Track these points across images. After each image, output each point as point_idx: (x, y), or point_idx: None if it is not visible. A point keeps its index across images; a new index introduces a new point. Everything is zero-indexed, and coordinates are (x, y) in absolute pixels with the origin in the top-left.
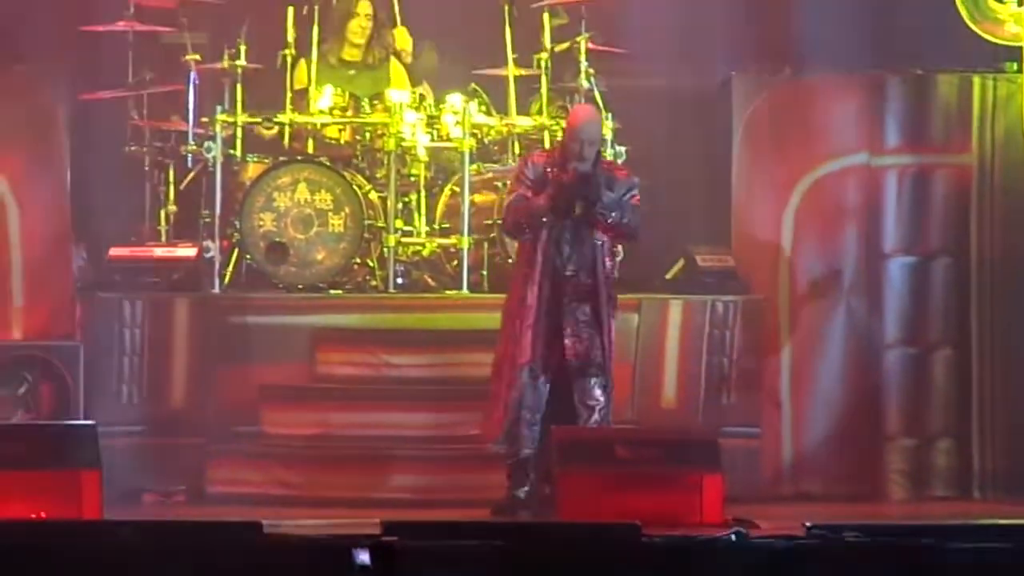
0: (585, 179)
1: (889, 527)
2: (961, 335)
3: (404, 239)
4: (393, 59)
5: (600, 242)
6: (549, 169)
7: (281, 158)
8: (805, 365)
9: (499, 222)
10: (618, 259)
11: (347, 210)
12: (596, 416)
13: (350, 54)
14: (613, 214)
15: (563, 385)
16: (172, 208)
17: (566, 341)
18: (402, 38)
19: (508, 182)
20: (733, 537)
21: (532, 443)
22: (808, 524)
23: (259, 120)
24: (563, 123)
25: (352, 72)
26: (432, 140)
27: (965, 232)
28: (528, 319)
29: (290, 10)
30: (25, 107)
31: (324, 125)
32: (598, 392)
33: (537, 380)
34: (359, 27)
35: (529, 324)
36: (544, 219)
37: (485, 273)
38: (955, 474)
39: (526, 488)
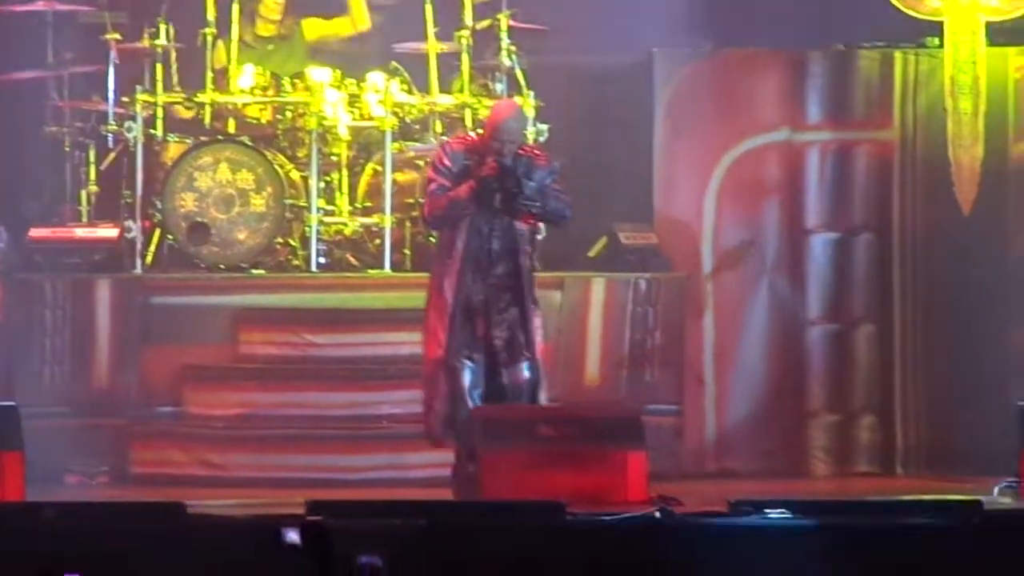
0: (505, 172)
1: (813, 503)
2: (883, 311)
3: (326, 218)
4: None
5: (521, 231)
6: (468, 158)
7: (202, 138)
8: (728, 342)
9: (421, 201)
10: (539, 237)
11: (269, 190)
12: (524, 397)
13: (265, 29)
14: (536, 204)
15: (490, 370)
16: (93, 189)
17: (492, 331)
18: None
19: (428, 167)
20: (657, 514)
21: None
22: (732, 501)
23: (180, 100)
24: (484, 102)
25: (269, 48)
26: (353, 119)
27: (887, 208)
28: (444, 312)
29: None
30: None
31: (245, 104)
32: (526, 372)
33: (463, 367)
34: (273, 3)
35: (446, 318)
36: (466, 211)
37: (408, 252)
38: (878, 450)
39: None
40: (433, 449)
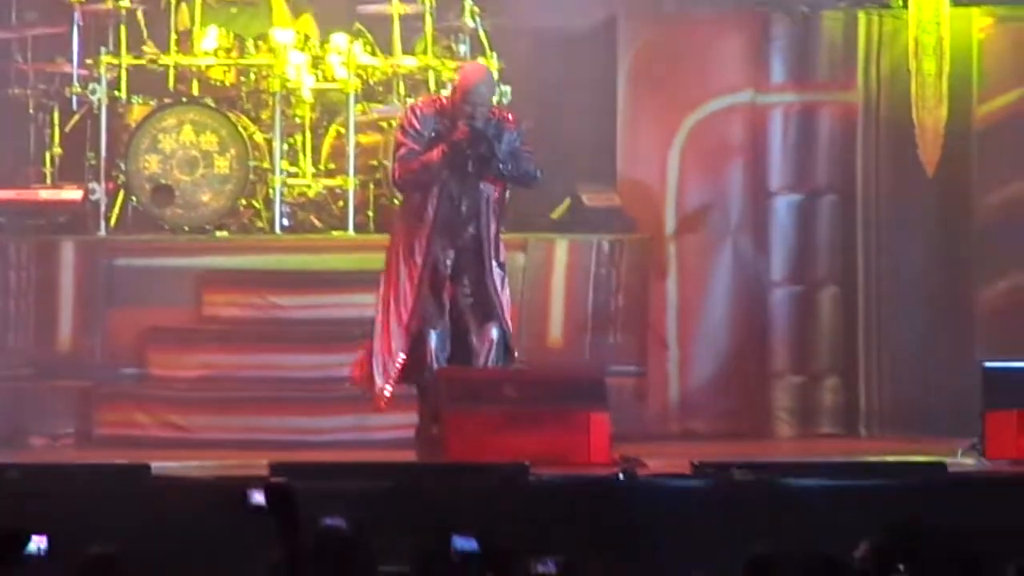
0: (478, 135)
1: (776, 464)
2: (847, 273)
3: (290, 180)
4: None
5: (487, 194)
6: (438, 122)
7: (166, 100)
8: (691, 304)
9: (384, 163)
10: (506, 195)
11: (232, 152)
12: (492, 356)
13: None
14: (508, 167)
15: (457, 333)
16: (57, 151)
17: (459, 294)
18: None
19: (395, 130)
20: (620, 476)
21: None
22: (695, 462)
23: (144, 61)
24: (448, 63)
25: (233, 11)
26: (317, 81)
27: (851, 170)
28: (413, 277)
29: None
30: None
31: (208, 67)
32: (493, 333)
33: (428, 334)
34: None
35: (414, 283)
36: (438, 175)
37: (371, 214)
38: (841, 411)
39: None
40: (398, 411)
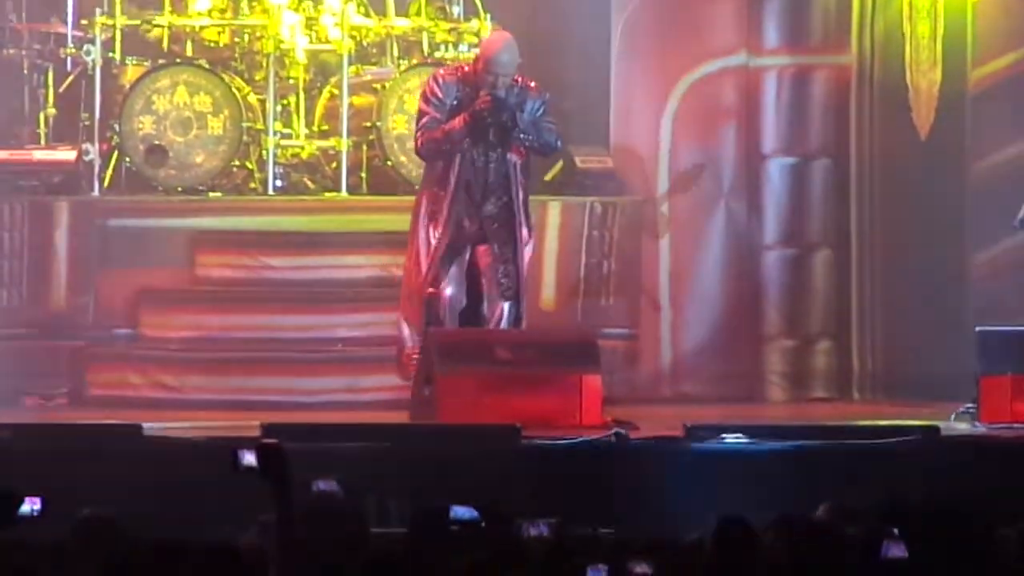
0: (500, 104)
1: (769, 428)
2: (840, 236)
3: (283, 142)
4: None
5: (514, 162)
6: (460, 90)
7: (160, 61)
8: (684, 267)
9: (378, 125)
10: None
11: (226, 112)
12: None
13: None
14: (530, 136)
15: (472, 301)
16: (51, 111)
17: (479, 263)
18: None
19: (418, 99)
20: (613, 439)
21: None
22: (688, 425)
23: (138, 23)
24: (441, 25)
25: None
26: (311, 42)
27: (845, 133)
28: (436, 245)
29: None
30: None
31: (202, 27)
32: (505, 307)
33: (442, 299)
34: None
35: (437, 250)
36: (461, 144)
37: (364, 175)
38: (834, 375)
39: None
40: (388, 372)
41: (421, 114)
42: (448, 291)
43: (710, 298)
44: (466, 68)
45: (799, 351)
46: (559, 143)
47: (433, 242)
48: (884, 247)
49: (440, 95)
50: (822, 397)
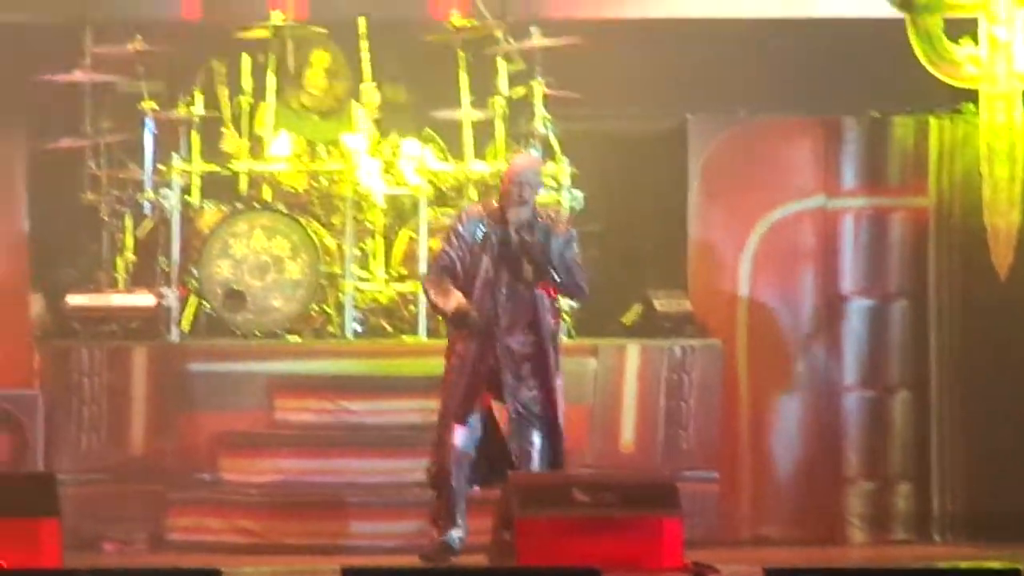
0: (528, 246)
1: (849, 571)
2: (919, 377)
3: (361, 285)
4: (353, 102)
5: (542, 299)
6: (485, 225)
7: (238, 205)
8: (763, 409)
9: None
10: (571, 306)
11: (304, 257)
12: (533, 463)
13: (310, 100)
14: (562, 276)
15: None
16: (130, 256)
17: (504, 397)
18: (368, 93)
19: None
20: None
21: (462, 484)
22: (767, 568)
23: (217, 168)
24: None
25: (316, 117)
26: (388, 186)
27: (923, 274)
28: (462, 374)
29: (245, 58)
30: None
31: (280, 172)
32: (536, 438)
33: (456, 429)
34: (315, 77)
35: (463, 378)
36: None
37: (441, 319)
38: (914, 517)
39: (459, 533)
40: (468, 516)
41: (439, 251)
42: (462, 425)
43: (789, 440)
44: (493, 203)
45: (879, 493)
46: (586, 289)
47: (455, 380)
48: (963, 388)
49: (461, 230)
50: (902, 539)
